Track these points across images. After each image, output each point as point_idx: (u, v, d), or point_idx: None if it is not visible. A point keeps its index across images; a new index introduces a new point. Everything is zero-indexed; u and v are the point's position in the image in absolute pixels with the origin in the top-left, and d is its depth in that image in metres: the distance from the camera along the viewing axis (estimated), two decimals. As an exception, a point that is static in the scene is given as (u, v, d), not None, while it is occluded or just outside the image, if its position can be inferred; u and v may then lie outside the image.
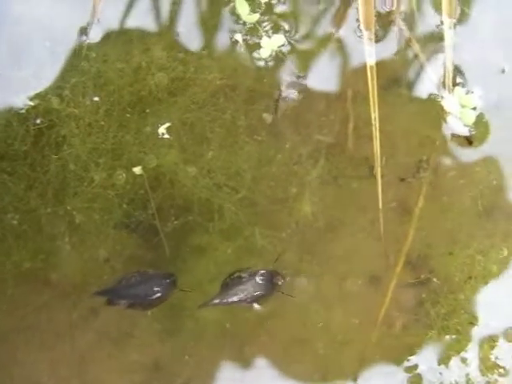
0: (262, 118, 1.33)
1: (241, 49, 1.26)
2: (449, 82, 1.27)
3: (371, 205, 1.34)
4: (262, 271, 1.27)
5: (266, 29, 1.26)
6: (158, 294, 1.26)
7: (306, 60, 1.32)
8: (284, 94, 1.31)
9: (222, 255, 1.34)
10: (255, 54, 1.28)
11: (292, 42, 1.30)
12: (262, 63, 1.30)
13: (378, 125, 1.25)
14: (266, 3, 1.25)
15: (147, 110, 1.29)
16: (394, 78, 1.33)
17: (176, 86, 1.31)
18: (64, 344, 1.32)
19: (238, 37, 1.24)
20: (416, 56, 1.30)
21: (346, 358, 1.35)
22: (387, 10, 1.28)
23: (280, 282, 1.28)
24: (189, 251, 1.33)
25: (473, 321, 1.33)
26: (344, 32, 1.31)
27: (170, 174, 1.32)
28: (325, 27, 1.31)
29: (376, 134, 1.25)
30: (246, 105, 1.32)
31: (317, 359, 1.35)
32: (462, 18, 1.33)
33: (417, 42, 1.28)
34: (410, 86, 1.33)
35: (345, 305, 1.35)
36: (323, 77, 1.34)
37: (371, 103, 1.24)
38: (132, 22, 1.30)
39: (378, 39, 1.30)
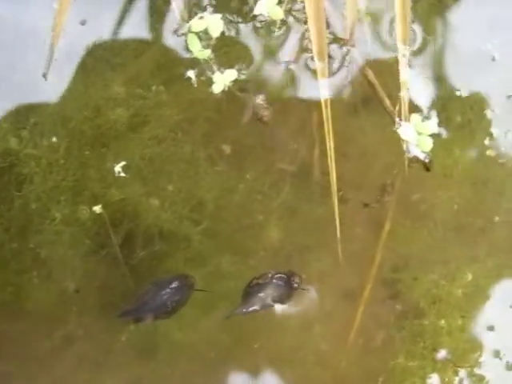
0: (221, 149, 1.33)
1: (195, 84, 1.27)
2: (405, 109, 1.26)
3: (335, 230, 1.34)
4: (279, 274, 1.30)
5: (218, 64, 1.27)
6: (178, 299, 1.28)
7: (263, 90, 1.33)
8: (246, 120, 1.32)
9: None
10: (209, 89, 1.28)
11: (247, 74, 1.30)
12: (217, 96, 1.30)
13: (333, 155, 1.25)
14: (217, 38, 1.25)
15: (107, 147, 1.31)
16: (353, 106, 1.33)
17: (135, 121, 1.32)
18: (42, 372, 1.35)
19: (191, 73, 1.25)
20: (371, 84, 1.30)
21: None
22: (341, 39, 1.27)
23: (297, 281, 1.30)
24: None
25: (437, 346, 1.33)
26: (299, 63, 1.30)
27: (134, 207, 1.34)
28: (279, 59, 1.31)
29: (332, 165, 1.26)
30: (204, 137, 1.33)
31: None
32: (420, 46, 1.32)
33: (372, 70, 1.27)
34: (369, 113, 1.32)
35: (314, 330, 1.36)
36: (284, 107, 1.34)
37: (326, 134, 1.25)
38: (90, 59, 1.31)
39: (333, 69, 1.29)
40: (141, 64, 1.32)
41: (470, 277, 1.34)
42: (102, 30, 1.31)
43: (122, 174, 1.29)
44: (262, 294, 1.29)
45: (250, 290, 1.31)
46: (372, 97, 1.31)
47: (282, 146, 1.36)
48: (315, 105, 1.31)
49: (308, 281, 1.34)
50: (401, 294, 1.36)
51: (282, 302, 1.30)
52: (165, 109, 1.32)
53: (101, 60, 1.32)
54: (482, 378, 1.33)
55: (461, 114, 1.32)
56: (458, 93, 1.33)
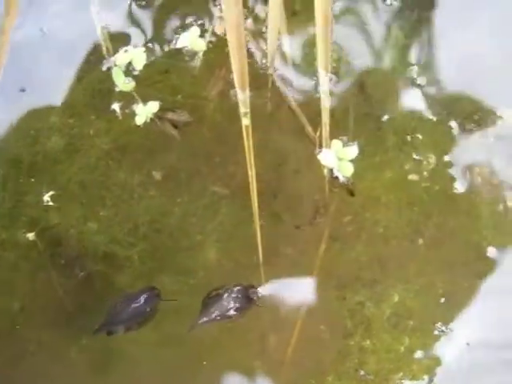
0: (152, 175, 1.38)
1: (120, 116, 1.32)
2: (326, 135, 1.29)
3: (271, 250, 1.38)
4: (238, 287, 1.35)
5: (142, 96, 1.31)
6: (148, 309, 1.34)
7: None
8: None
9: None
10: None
11: (171, 106, 1.35)
12: (146, 125, 1.35)
13: (255, 182, 1.28)
14: (140, 71, 1.29)
15: (42, 174, 1.37)
16: (279, 132, 1.36)
17: (69, 149, 1.38)
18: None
19: (116, 106, 1.30)
20: (293, 111, 1.32)
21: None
22: (262, 67, 1.30)
23: (255, 295, 1.35)
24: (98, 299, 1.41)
25: (362, 366, 1.37)
26: (222, 93, 1.34)
27: (72, 231, 1.40)
28: (202, 90, 1.34)
29: (253, 188, 1.29)
30: (135, 163, 1.38)
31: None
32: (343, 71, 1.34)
33: (293, 97, 1.30)
34: (296, 139, 1.36)
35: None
36: (213, 134, 1.38)
37: (248, 162, 1.28)
38: (27, 95, 1.37)
39: (256, 96, 1.32)
40: (74, 95, 1.37)
41: (396, 298, 1.36)
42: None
43: (51, 203, 1.35)
44: (220, 305, 1.34)
45: (209, 301, 1.36)
46: (296, 123, 1.34)
47: (213, 169, 1.39)
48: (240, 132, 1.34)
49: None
50: (330, 314, 1.39)
51: (239, 313, 1.34)
52: (96, 138, 1.36)
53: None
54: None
55: (384, 139, 1.34)
56: (382, 118, 1.35)
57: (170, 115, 1.32)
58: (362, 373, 1.36)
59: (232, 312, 1.34)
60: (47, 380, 1.39)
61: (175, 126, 1.34)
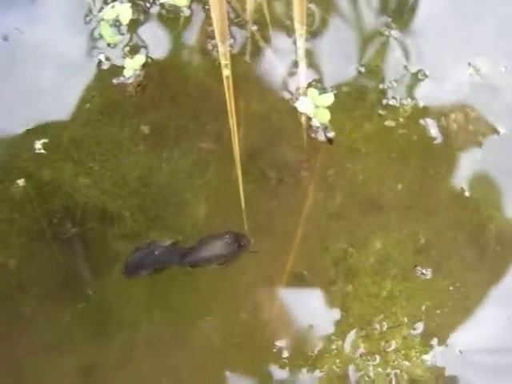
0: (140, 129, 1.43)
1: (106, 68, 1.37)
2: (303, 84, 1.34)
3: (261, 206, 1.41)
4: (229, 233, 1.38)
5: (128, 50, 1.37)
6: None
7: (173, 72, 1.42)
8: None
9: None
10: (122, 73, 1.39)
11: (156, 59, 1.40)
12: (131, 79, 1.40)
13: (235, 129, 1.33)
14: (127, 25, 1.35)
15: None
16: (258, 85, 1.41)
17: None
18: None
19: (102, 57, 1.36)
20: (271, 61, 1.38)
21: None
22: (241, 20, 1.35)
23: (245, 242, 1.38)
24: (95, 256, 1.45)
25: (346, 312, 1.40)
26: (204, 45, 1.39)
27: (65, 186, 1.45)
28: (185, 43, 1.40)
29: (235, 139, 1.34)
30: (124, 118, 1.43)
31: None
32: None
33: (271, 48, 1.35)
34: (272, 90, 1.41)
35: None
36: (195, 88, 1.43)
37: (229, 112, 1.33)
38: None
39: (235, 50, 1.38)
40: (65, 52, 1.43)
41: (378, 245, 1.40)
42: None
43: (42, 151, 1.40)
44: (210, 247, 1.38)
45: (203, 241, 1.39)
46: (272, 75, 1.39)
47: (199, 126, 1.44)
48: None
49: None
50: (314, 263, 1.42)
51: (225, 262, 1.39)
52: (84, 91, 1.42)
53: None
54: (389, 342, 1.39)
55: (361, 88, 1.38)
56: (357, 68, 1.39)
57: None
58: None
59: (222, 256, 1.37)
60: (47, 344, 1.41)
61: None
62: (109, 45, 1.38)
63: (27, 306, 1.40)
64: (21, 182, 1.41)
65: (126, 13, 1.33)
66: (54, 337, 1.40)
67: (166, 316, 1.42)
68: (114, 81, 1.41)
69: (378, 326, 1.39)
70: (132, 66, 1.34)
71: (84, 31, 1.42)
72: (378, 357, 1.39)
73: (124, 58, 1.37)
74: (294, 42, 1.36)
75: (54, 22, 1.42)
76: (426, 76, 1.41)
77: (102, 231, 1.43)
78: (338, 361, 1.39)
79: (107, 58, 1.38)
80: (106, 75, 1.41)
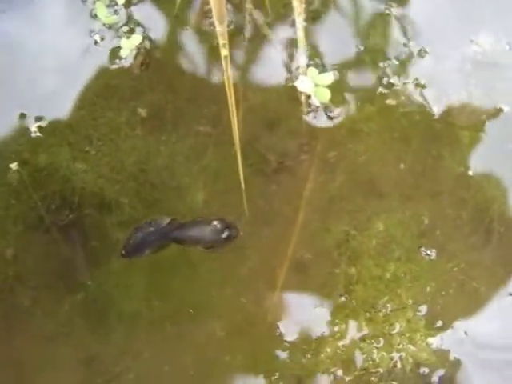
0: (137, 112, 1.41)
1: (102, 49, 1.35)
2: (302, 63, 1.32)
3: (260, 190, 1.39)
4: (220, 221, 1.36)
5: (125, 30, 1.35)
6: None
7: (170, 54, 1.40)
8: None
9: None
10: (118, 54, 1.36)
11: (153, 40, 1.38)
12: (127, 61, 1.38)
13: (234, 109, 1.31)
14: (123, 4, 1.33)
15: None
16: (256, 65, 1.39)
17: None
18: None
19: (97, 37, 1.33)
20: (270, 42, 1.35)
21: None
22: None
23: (232, 234, 1.37)
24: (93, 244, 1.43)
25: (347, 294, 1.38)
26: (201, 25, 1.37)
27: (62, 171, 1.43)
28: (182, 22, 1.38)
29: (234, 119, 1.31)
30: (121, 101, 1.40)
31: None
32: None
33: (270, 27, 1.33)
34: (271, 70, 1.38)
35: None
36: (196, 70, 1.40)
37: (228, 94, 1.31)
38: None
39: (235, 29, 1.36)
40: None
41: (381, 227, 1.38)
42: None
43: (38, 134, 1.37)
44: (200, 229, 1.36)
45: (195, 222, 1.38)
46: (270, 55, 1.37)
47: (197, 108, 1.42)
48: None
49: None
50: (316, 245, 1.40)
51: (209, 247, 1.37)
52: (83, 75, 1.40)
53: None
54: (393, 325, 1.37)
55: (361, 67, 1.36)
56: (357, 47, 1.37)
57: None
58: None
59: (206, 241, 1.36)
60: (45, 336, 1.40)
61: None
62: (104, 25, 1.35)
63: (25, 297, 1.39)
64: (16, 166, 1.38)
65: (122, -7, 1.30)
66: (53, 328, 1.38)
67: (167, 304, 1.40)
68: (111, 63, 1.38)
69: (382, 308, 1.36)
70: (128, 46, 1.32)
71: (80, 12, 1.39)
72: (382, 340, 1.36)
73: (120, 38, 1.33)
74: (293, 21, 1.32)
75: (50, 4, 1.39)
76: (428, 53, 1.39)
77: (99, 218, 1.41)
78: (341, 344, 1.36)
79: (102, 38, 1.35)
80: (103, 57, 1.38)
